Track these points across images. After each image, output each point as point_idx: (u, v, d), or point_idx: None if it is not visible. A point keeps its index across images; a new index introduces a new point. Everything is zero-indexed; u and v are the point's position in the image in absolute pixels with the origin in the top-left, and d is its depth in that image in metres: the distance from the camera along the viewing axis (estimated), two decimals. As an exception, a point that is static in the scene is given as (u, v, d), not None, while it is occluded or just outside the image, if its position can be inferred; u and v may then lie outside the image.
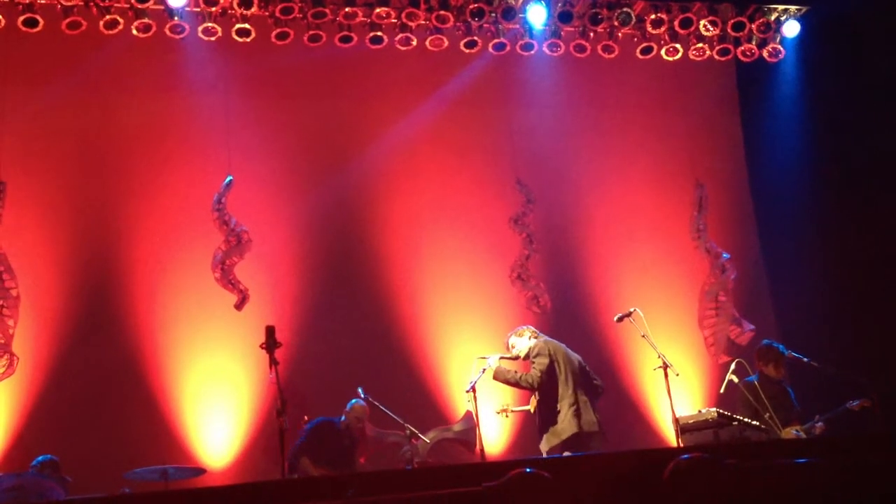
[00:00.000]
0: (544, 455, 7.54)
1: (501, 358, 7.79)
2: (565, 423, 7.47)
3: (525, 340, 7.83)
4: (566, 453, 7.38)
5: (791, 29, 9.90)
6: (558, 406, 7.54)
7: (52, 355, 8.78)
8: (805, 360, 7.96)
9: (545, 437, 7.58)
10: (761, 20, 9.82)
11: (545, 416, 7.62)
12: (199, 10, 8.86)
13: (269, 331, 6.39)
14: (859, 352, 8.95)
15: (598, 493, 5.07)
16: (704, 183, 10.52)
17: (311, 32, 9.10)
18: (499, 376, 7.70)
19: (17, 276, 8.70)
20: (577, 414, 7.48)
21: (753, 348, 8.33)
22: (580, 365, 7.80)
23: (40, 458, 7.65)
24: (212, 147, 9.49)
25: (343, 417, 8.44)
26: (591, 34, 9.64)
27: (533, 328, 7.99)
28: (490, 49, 9.57)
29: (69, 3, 8.53)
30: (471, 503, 4.76)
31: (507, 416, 8.20)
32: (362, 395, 8.31)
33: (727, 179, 10.77)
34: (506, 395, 9.38)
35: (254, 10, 8.89)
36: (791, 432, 7.64)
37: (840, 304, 9.66)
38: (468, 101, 10.14)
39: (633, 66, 10.02)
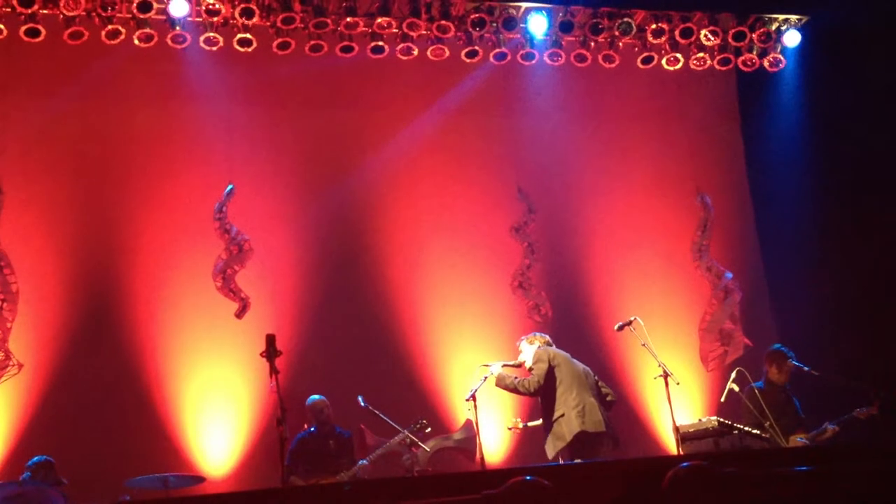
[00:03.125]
0: (550, 460, 7.52)
1: (504, 365, 7.82)
2: (569, 425, 7.45)
3: (531, 348, 7.84)
4: (576, 460, 7.36)
5: (792, 39, 9.92)
6: (562, 410, 7.51)
7: (53, 363, 8.78)
8: (806, 369, 7.95)
9: (550, 441, 7.55)
10: (762, 30, 9.84)
11: (548, 421, 7.63)
12: (200, 20, 8.89)
13: (270, 339, 6.40)
14: (862, 365, 8.89)
15: (598, 502, 5.07)
16: (706, 193, 10.45)
17: (312, 42, 9.11)
18: (499, 382, 7.75)
19: (19, 284, 8.70)
20: (582, 414, 7.46)
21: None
22: (589, 375, 7.81)
23: (35, 458, 7.66)
24: (213, 156, 9.51)
25: (313, 428, 8.37)
26: (592, 44, 9.66)
27: (545, 337, 7.98)
28: (491, 59, 9.59)
29: (71, 14, 8.54)
30: (470, 511, 4.76)
31: (517, 431, 8.23)
32: (362, 404, 8.31)
33: (728, 189, 10.76)
34: (506, 404, 9.40)
35: (255, 20, 8.91)
36: (796, 440, 7.63)
37: (843, 315, 9.61)
38: (469, 111, 10.15)
39: (634, 76, 10.04)
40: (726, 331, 10.11)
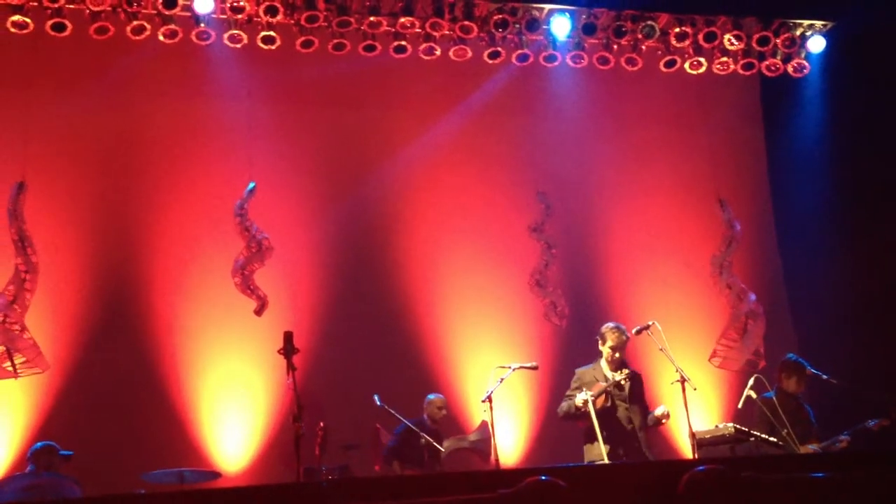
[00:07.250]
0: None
1: (520, 367, 7.78)
2: None
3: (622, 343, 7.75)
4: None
5: (816, 44, 9.85)
6: None
7: (72, 357, 8.86)
8: (825, 377, 7.89)
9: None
10: (786, 35, 9.78)
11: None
12: (225, 17, 8.94)
13: (288, 336, 6.39)
14: (882, 375, 8.79)
15: (613, 503, 5.06)
16: (728, 199, 10.33)
17: (335, 41, 9.14)
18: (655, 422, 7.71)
19: (39, 278, 8.75)
20: None
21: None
22: None
23: (37, 444, 7.70)
24: (235, 153, 9.55)
25: (424, 417, 8.56)
26: (615, 46, 9.64)
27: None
28: (513, 60, 9.58)
29: (97, 9, 8.60)
30: (485, 510, 4.75)
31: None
32: (378, 403, 8.31)
33: (750, 195, 10.71)
34: (522, 407, 9.40)
35: (279, 17, 8.95)
36: (809, 449, 7.58)
37: (864, 324, 9.50)
38: (490, 112, 10.17)
39: (657, 80, 10.00)
40: (750, 362, 9.89)
